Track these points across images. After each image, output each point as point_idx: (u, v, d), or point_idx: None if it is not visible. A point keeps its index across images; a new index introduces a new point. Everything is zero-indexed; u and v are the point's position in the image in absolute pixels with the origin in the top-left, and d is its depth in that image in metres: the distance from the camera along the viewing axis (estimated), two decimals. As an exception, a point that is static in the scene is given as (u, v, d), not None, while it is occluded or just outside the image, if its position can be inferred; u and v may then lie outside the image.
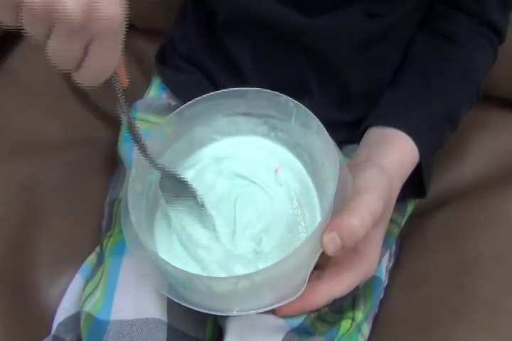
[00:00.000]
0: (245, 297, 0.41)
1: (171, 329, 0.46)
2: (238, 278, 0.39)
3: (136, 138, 0.41)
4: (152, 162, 0.42)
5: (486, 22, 0.56)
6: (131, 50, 0.80)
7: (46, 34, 0.31)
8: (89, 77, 0.34)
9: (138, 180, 0.44)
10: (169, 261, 0.39)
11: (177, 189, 0.45)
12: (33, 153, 0.66)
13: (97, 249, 0.58)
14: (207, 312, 0.41)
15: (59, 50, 0.32)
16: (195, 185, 0.45)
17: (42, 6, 0.30)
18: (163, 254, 0.44)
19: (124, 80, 0.38)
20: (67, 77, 0.74)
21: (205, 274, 0.43)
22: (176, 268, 0.38)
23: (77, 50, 0.32)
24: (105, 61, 0.33)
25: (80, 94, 0.75)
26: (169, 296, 0.41)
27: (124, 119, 0.40)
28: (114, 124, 0.72)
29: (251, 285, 0.39)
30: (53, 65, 0.33)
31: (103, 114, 0.75)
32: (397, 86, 0.54)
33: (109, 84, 0.36)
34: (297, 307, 0.44)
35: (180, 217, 0.46)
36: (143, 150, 0.41)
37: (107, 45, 0.32)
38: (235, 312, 0.41)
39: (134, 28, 0.79)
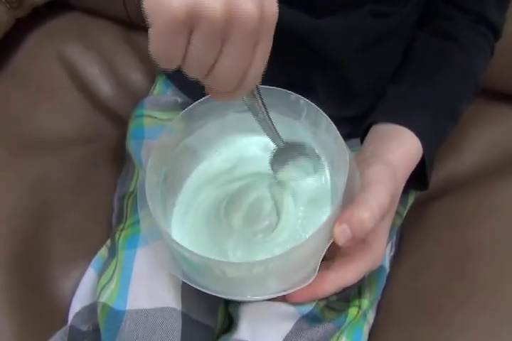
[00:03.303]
0: (259, 282, 0.43)
1: (186, 318, 0.47)
2: (253, 264, 0.40)
3: (271, 130, 0.42)
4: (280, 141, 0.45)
5: (484, 20, 0.58)
6: (135, 47, 0.81)
7: (217, 54, 0.30)
8: (249, 83, 0.33)
9: (153, 173, 0.45)
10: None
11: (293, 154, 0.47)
12: (43, 149, 0.67)
13: (108, 242, 0.59)
14: (222, 296, 0.43)
15: (231, 67, 0.31)
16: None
17: (224, 15, 0.28)
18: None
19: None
20: (72, 75, 0.76)
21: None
22: (194, 253, 0.40)
23: (247, 59, 0.31)
24: (265, 61, 0.33)
25: (86, 91, 0.76)
26: (186, 281, 0.43)
27: (260, 117, 0.40)
28: (121, 121, 0.73)
29: (265, 271, 0.40)
30: (218, 89, 0.33)
31: (110, 110, 0.75)
32: (400, 83, 0.56)
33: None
34: (307, 295, 0.46)
35: None
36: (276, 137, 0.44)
37: (269, 43, 0.32)
38: (248, 297, 0.43)
39: (137, 25, 0.80)
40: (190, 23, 0.29)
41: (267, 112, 0.41)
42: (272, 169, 0.47)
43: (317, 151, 0.47)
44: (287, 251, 0.39)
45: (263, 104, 0.39)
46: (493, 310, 0.51)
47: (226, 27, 0.29)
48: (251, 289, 0.43)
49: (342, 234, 0.41)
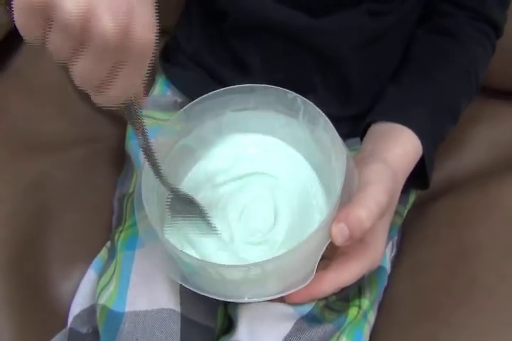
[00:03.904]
0: (257, 284, 0.43)
1: (185, 319, 0.47)
2: (250, 266, 0.40)
3: (151, 160, 0.41)
4: (167, 184, 0.43)
5: (485, 18, 0.57)
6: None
7: (74, 53, 0.30)
8: (110, 98, 0.33)
9: (150, 175, 0.44)
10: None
11: (186, 209, 0.46)
12: (43, 151, 0.67)
13: (108, 244, 0.59)
14: (219, 298, 0.42)
15: (85, 70, 0.31)
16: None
17: (79, 23, 0.28)
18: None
19: (142, 100, 0.37)
20: (71, 79, 0.75)
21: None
22: (191, 256, 0.39)
23: (104, 71, 0.31)
24: (130, 83, 0.32)
25: (85, 93, 0.76)
26: (183, 284, 0.43)
27: (140, 141, 0.39)
28: (120, 122, 0.73)
29: (262, 273, 0.40)
30: (76, 84, 0.32)
31: (109, 112, 0.75)
32: (399, 82, 0.56)
33: (126, 104, 0.35)
34: (306, 295, 0.45)
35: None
36: (158, 172, 0.42)
37: (136, 68, 0.32)
38: (246, 299, 0.43)
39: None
40: (47, 13, 0.28)
41: (149, 143, 0.39)
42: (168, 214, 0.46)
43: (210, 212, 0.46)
44: (285, 252, 0.38)
45: (144, 131, 0.38)
46: (492, 310, 0.51)
47: (82, 33, 0.28)
48: (249, 291, 0.43)
49: (339, 233, 0.41)
